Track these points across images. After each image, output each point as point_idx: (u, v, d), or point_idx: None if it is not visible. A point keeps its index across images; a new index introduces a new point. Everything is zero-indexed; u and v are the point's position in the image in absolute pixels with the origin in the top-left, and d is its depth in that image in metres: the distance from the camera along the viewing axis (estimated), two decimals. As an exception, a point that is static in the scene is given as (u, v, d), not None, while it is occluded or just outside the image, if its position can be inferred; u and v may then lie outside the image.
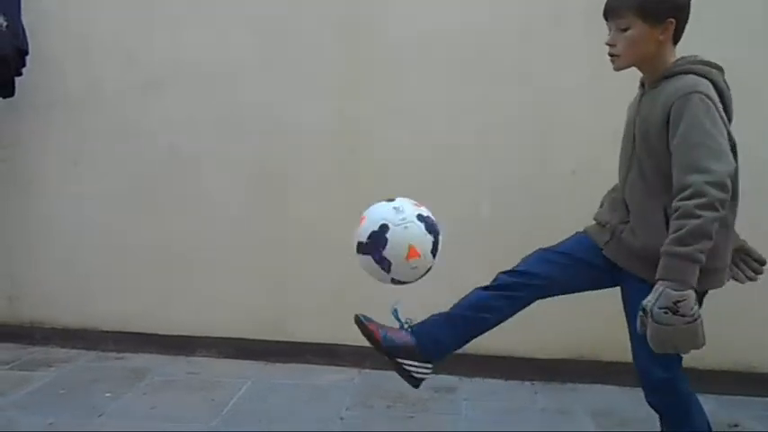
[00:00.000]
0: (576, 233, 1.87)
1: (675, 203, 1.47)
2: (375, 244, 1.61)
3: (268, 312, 2.93)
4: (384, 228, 1.60)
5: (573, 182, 2.66)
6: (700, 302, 1.54)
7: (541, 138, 2.72)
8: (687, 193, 1.45)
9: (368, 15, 2.77)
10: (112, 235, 3.00)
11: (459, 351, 2.84)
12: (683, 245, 1.43)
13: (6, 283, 3.11)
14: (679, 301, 1.42)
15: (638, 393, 2.29)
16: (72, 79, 2.97)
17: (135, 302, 3.00)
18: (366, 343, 2.88)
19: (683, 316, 1.43)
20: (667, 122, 1.54)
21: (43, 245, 3.05)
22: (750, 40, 2.55)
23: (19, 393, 2.50)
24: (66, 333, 3.04)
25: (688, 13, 1.65)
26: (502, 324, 2.85)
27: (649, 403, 1.73)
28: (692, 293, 1.44)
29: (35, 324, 3.08)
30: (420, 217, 1.67)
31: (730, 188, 1.46)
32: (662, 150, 1.56)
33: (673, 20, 1.60)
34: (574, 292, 1.83)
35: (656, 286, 1.46)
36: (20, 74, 2.88)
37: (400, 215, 1.62)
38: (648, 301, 1.46)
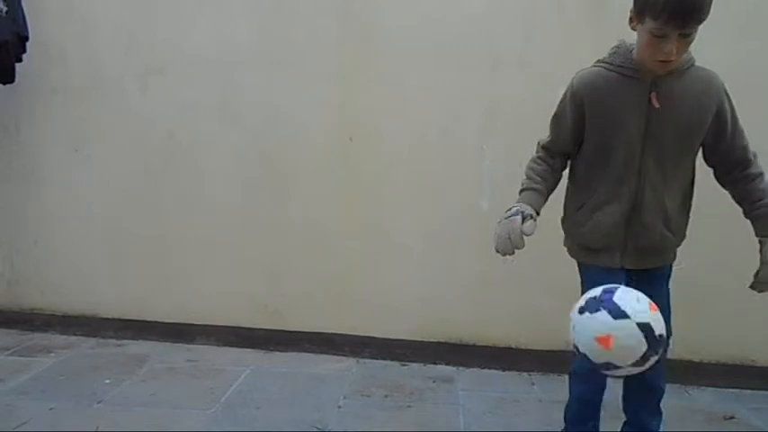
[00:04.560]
0: None
1: (755, 171, 1.68)
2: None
3: (267, 301, 2.94)
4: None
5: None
6: None
7: (543, 128, 2.70)
8: (756, 161, 1.68)
9: (369, 3, 2.76)
10: (112, 222, 3.00)
11: (458, 341, 2.88)
12: None
13: (7, 270, 3.12)
14: None
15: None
16: (72, 65, 2.97)
17: (135, 289, 3.01)
18: (364, 332, 2.91)
19: None
20: (715, 114, 1.64)
21: (44, 231, 3.06)
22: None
23: (19, 380, 2.51)
24: (66, 320, 3.06)
25: None
26: (500, 315, 2.87)
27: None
28: None
29: (35, 311, 3.10)
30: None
31: None
32: (696, 143, 1.69)
33: None
34: None
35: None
36: (20, 60, 2.88)
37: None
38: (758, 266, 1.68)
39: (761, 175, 1.68)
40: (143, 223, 2.98)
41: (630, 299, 1.41)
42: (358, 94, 2.79)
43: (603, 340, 1.38)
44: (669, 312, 1.75)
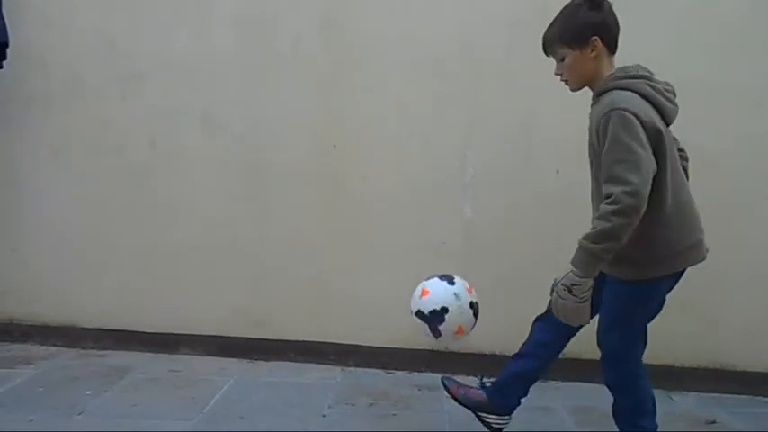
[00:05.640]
0: None
1: (600, 206, 1.68)
2: (434, 319, 1.96)
3: (251, 310, 2.92)
4: (444, 310, 1.96)
5: (557, 181, 2.68)
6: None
7: (526, 136, 2.73)
8: (608, 200, 1.64)
9: (351, 12, 2.77)
10: (93, 230, 2.97)
11: (442, 349, 2.87)
12: (592, 242, 1.66)
13: (-15, 280, 3.06)
14: (575, 285, 1.69)
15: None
16: (52, 72, 2.94)
17: (116, 299, 2.97)
18: (348, 341, 2.90)
19: (574, 296, 1.69)
20: (599, 140, 1.71)
21: (22, 240, 3.01)
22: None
23: (-3, 391, 2.47)
24: (45, 330, 3.01)
25: (610, 25, 1.80)
26: (485, 322, 2.87)
27: (607, 383, 1.91)
28: (588, 281, 1.68)
29: (14, 321, 3.04)
30: (471, 304, 2.00)
31: (646, 195, 1.63)
32: (599, 161, 1.74)
33: (596, 37, 1.77)
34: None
35: (570, 268, 1.71)
36: (0, 67, 2.84)
37: (458, 302, 1.97)
38: (559, 277, 1.73)
39: (598, 212, 1.66)
40: (124, 232, 2.95)
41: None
42: (341, 102, 2.80)
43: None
44: (607, 322, 1.86)
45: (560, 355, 2.63)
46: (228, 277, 2.91)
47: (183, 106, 2.88)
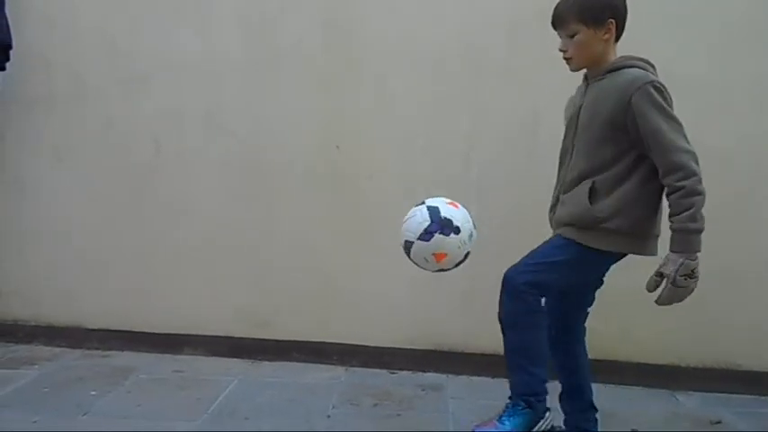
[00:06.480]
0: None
1: (674, 183, 1.68)
2: (442, 226, 1.87)
3: (255, 310, 2.92)
4: (457, 230, 1.87)
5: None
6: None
7: (528, 136, 2.73)
8: (682, 173, 1.66)
9: (351, 12, 2.77)
10: (97, 231, 2.97)
11: (447, 349, 2.87)
12: (694, 221, 1.66)
13: (-11, 281, 3.07)
14: (695, 269, 1.69)
15: (620, 390, 2.32)
16: (56, 74, 2.94)
17: (121, 300, 2.98)
18: (352, 341, 2.90)
19: (695, 279, 1.70)
20: (623, 111, 1.72)
21: (27, 242, 3.02)
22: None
23: (2, 392, 2.47)
24: (50, 331, 3.01)
25: (623, 12, 1.85)
26: (490, 322, 2.87)
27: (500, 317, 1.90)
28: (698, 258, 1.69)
29: (19, 322, 3.05)
30: (467, 254, 1.94)
31: None
32: (604, 135, 1.77)
33: (612, 20, 1.81)
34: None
35: (674, 257, 1.69)
36: (3, 68, 2.85)
37: (468, 240, 1.90)
38: (670, 270, 1.69)
39: (676, 189, 1.68)
40: (128, 233, 2.95)
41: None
42: (344, 102, 2.80)
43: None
44: (530, 263, 1.88)
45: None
46: (232, 278, 2.91)
47: (185, 107, 2.88)
